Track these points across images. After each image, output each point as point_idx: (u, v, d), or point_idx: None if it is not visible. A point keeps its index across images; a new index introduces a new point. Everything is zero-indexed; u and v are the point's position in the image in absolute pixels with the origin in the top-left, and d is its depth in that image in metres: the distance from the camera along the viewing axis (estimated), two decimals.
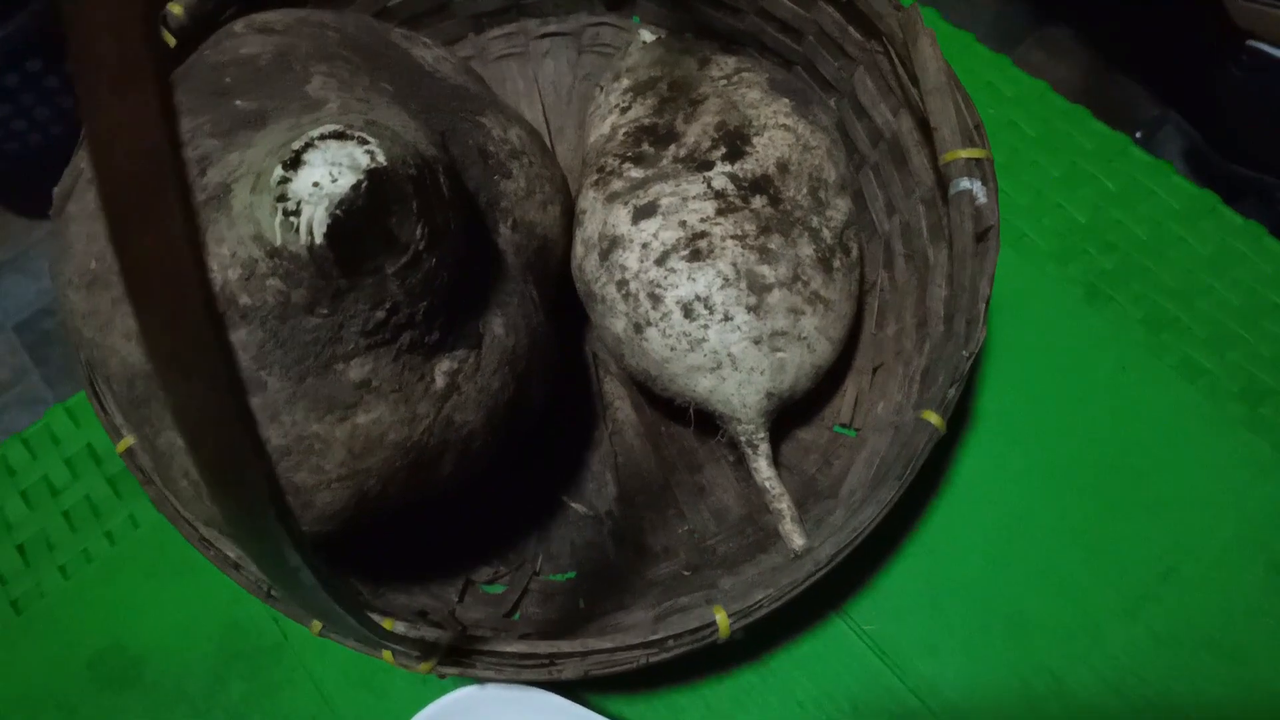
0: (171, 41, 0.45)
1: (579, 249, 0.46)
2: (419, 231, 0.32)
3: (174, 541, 0.50)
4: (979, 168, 0.41)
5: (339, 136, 0.31)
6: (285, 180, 0.30)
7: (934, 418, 0.38)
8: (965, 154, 0.41)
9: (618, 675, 0.39)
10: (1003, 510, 0.48)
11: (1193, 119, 1.14)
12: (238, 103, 0.36)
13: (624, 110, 0.49)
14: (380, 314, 0.33)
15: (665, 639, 0.36)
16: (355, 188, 0.30)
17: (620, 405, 0.51)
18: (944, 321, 0.42)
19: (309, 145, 0.31)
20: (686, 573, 0.46)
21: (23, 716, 0.47)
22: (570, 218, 0.47)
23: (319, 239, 0.30)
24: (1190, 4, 1.07)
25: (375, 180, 0.30)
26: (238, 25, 0.40)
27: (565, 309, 0.50)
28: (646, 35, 0.53)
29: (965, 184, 0.41)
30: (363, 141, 0.31)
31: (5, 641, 0.49)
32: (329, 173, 0.30)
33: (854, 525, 0.37)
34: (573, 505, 0.49)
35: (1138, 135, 1.15)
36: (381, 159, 0.31)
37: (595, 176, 0.46)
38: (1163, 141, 1.14)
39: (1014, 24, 1.40)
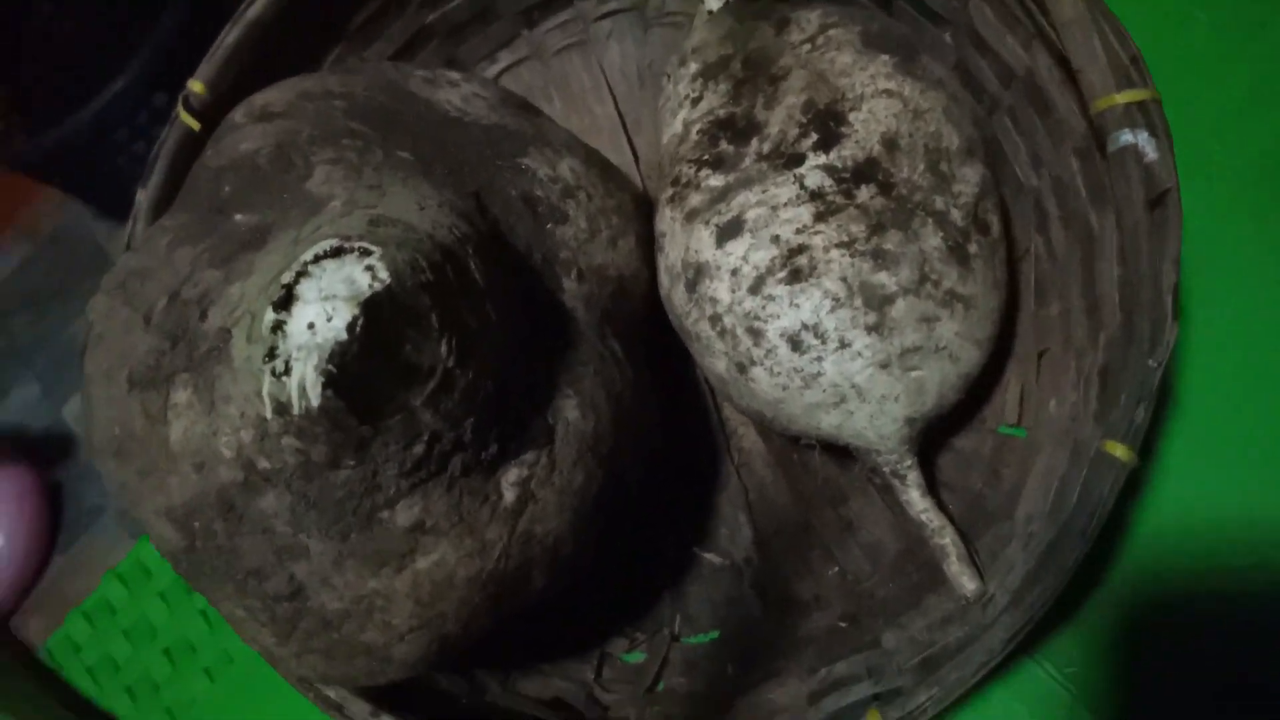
0: (195, 125, 0.42)
1: (664, 279, 0.40)
2: (444, 349, 0.27)
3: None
4: (1143, 113, 0.32)
5: (335, 254, 0.26)
6: (279, 325, 0.26)
7: (1120, 450, 0.30)
8: (1122, 98, 0.32)
9: None
10: (1222, 517, 0.39)
11: None
12: (237, 218, 0.31)
13: (695, 101, 0.42)
14: (418, 449, 0.28)
15: None
16: (350, 329, 0.25)
17: (745, 432, 0.45)
18: (1120, 311, 0.34)
19: (301, 274, 0.26)
20: (843, 624, 0.40)
21: None
22: (650, 244, 0.41)
23: (315, 400, 0.25)
24: None
25: (375, 312, 0.25)
26: (238, 114, 0.35)
27: (665, 338, 0.44)
28: (712, 3, 0.45)
29: (1128, 137, 0.32)
30: (364, 254, 0.26)
31: None
32: (324, 310, 0.25)
33: (1030, 600, 0.30)
34: (706, 556, 0.44)
35: None
36: (384, 276, 0.26)
37: (670, 191, 0.40)
38: None
39: None
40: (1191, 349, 0.41)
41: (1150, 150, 0.31)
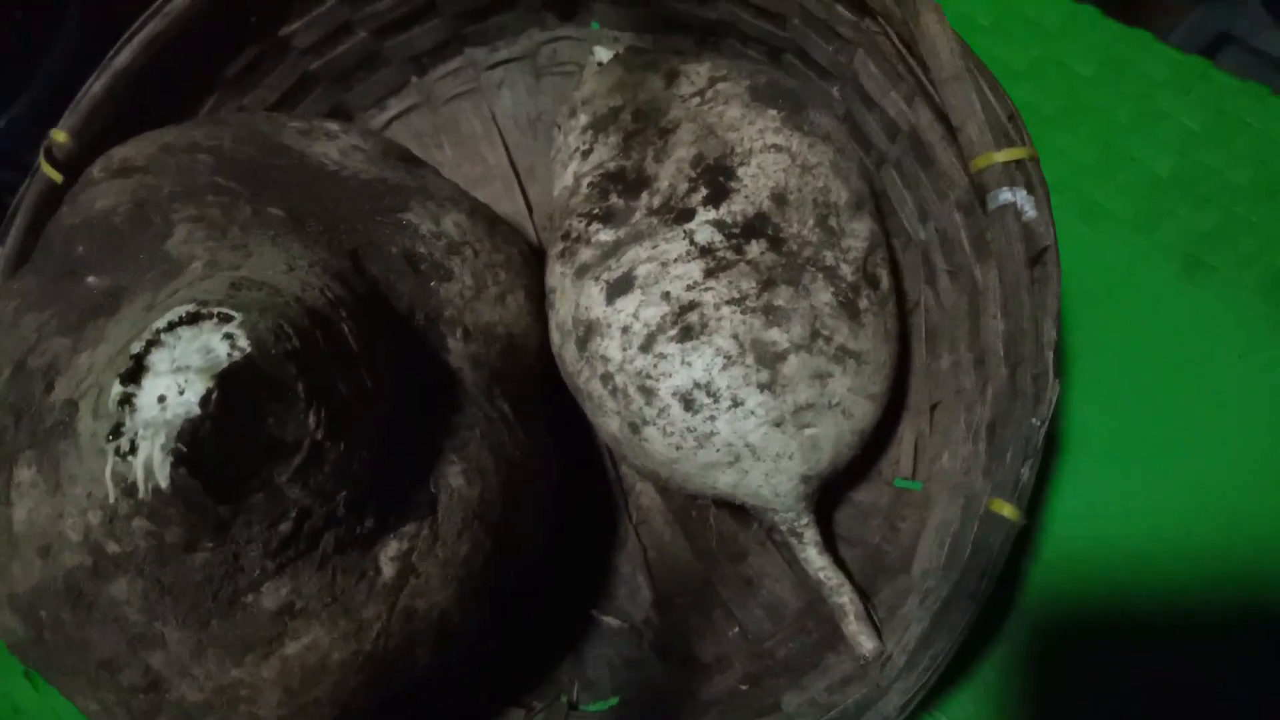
0: (57, 178, 0.39)
1: (555, 335, 0.39)
2: (312, 420, 0.26)
3: None
4: (1021, 172, 0.32)
5: (192, 320, 0.25)
6: (126, 399, 0.24)
7: (1007, 509, 0.30)
8: (1001, 156, 0.32)
9: None
10: (1113, 552, 0.39)
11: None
12: (89, 280, 0.29)
13: (585, 154, 0.41)
14: (285, 527, 0.26)
15: None
16: (204, 403, 0.23)
17: (643, 489, 0.44)
18: (1005, 365, 0.34)
19: (152, 343, 0.24)
20: (744, 686, 0.40)
21: None
22: (541, 298, 0.40)
23: (163, 482, 0.23)
24: None
25: (233, 384, 0.24)
26: (95, 169, 0.33)
27: (560, 392, 0.42)
28: (601, 54, 0.44)
29: (1007, 195, 0.32)
30: (223, 319, 0.25)
31: None
32: (175, 383, 0.24)
33: (924, 664, 0.30)
34: (604, 619, 0.42)
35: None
36: (244, 344, 0.24)
37: (561, 245, 0.39)
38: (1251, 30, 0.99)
39: None
40: (1077, 393, 0.42)
41: (1029, 208, 0.32)
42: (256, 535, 0.26)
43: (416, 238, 0.35)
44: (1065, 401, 0.42)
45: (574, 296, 0.37)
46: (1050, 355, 0.31)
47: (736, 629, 0.41)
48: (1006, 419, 0.32)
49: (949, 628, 0.30)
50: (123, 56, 0.41)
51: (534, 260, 0.41)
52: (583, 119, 0.42)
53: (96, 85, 0.41)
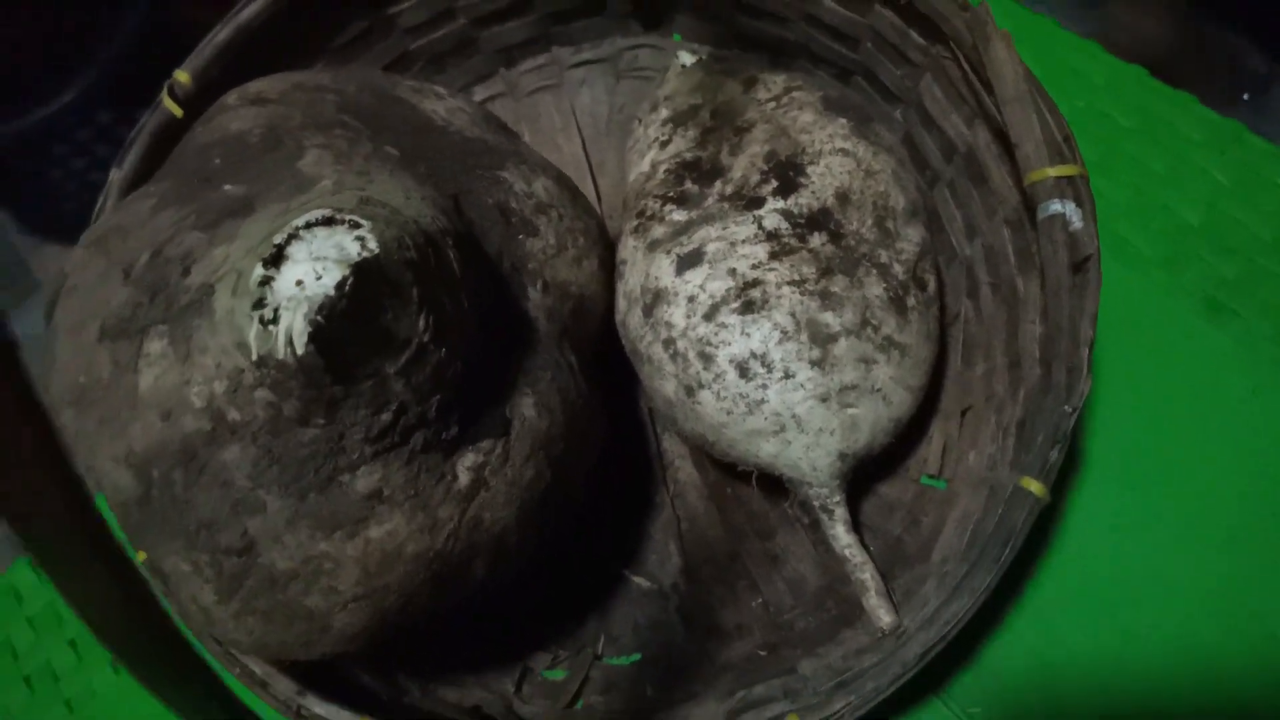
0: (178, 112, 0.43)
1: (621, 303, 0.42)
2: (422, 323, 0.29)
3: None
4: (1071, 187, 0.35)
5: (327, 223, 0.28)
6: (266, 280, 0.27)
7: (1034, 485, 0.33)
8: (1054, 172, 0.35)
9: None
10: (1124, 569, 0.42)
11: None
12: (226, 188, 0.32)
13: (664, 144, 0.45)
14: (385, 417, 0.29)
15: None
16: (339, 287, 0.26)
17: (681, 465, 0.47)
18: (1040, 365, 0.37)
19: (293, 237, 0.27)
20: (762, 653, 0.42)
21: None
22: (611, 270, 0.43)
23: (300, 349, 0.26)
24: None
25: (363, 276, 0.27)
26: (230, 98, 0.37)
27: (616, 364, 0.45)
28: (686, 58, 0.48)
29: (1056, 207, 0.35)
30: (354, 226, 0.28)
31: None
32: (313, 269, 0.27)
33: (945, 618, 0.32)
34: (634, 579, 0.45)
35: (1245, 97, 1.06)
36: (373, 246, 0.27)
37: (635, 222, 0.42)
38: (1273, 102, 1.05)
39: None
40: (1099, 417, 0.45)
41: (1076, 219, 0.35)
42: (360, 420, 0.29)
43: (510, 193, 0.38)
44: (1088, 422, 0.44)
45: (645, 267, 0.40)
46: (1086, 352, 0.34)
47: (759, 600, 0.43)
48: (1038, 411, 0.35)
49: (970, 589, 0.32)
50: (248, 11, 0.44)
51: (606, 236, 0.44)
52: (664, 113, 0.46)
53: (220, 34, 0.44)
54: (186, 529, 0.29)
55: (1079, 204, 0.35)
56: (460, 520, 0.32)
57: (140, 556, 0.35)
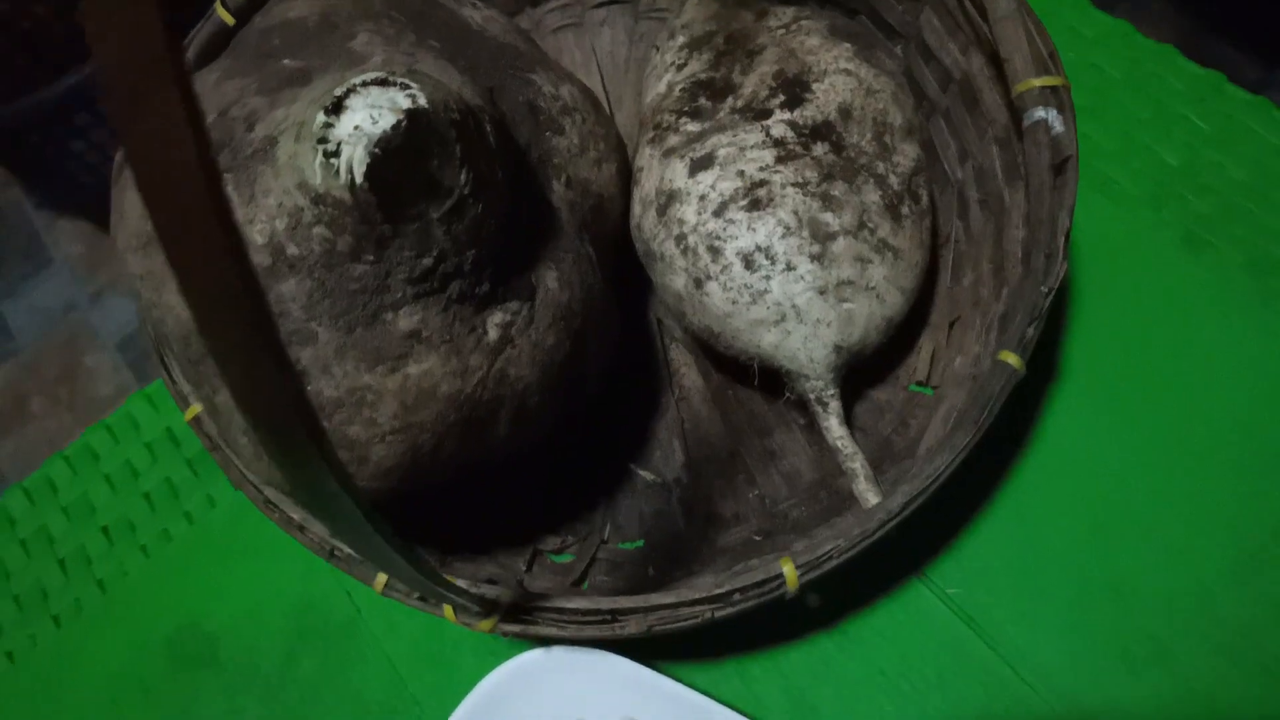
0: (230, 20, 0.46)
1: (636, 208, 0.45)
2: (463, 177, 0.32)
3: (249, 518, 0.51)
4: (1054, 96, 0.39)
5: (381, 83, 0.31)
6: (328, 125, 0.30)
7: (1012, 358, 0.36)
8: (1039, 82, 0.39)
9: (685, 635, 0.38)
10: (1097, 469, 0.45)
11: None
12: (285, 62, 0.36)
13: (680, 67, 0.48)
14: (427, 261, 0.32)
15: (730, 592, 0.34)
16: (395, 127, 0.29)
17: (686, 371, 0.50)
18: (1022, 263, 0.40)
19: (351, 91, 0.30)
20: (758, 538, 0.45)
21: (104, 693, 0.48)
22: (627, 179, 0.46)
23: (359, 179, 0.29)
24: None
25: (415, 121, 0.30)
26: None
27: (626, 275, 0.48)
28: None
29: (1040, 113, 0.38)
30: (405, 86, 0.31)
31: (90, 621, 0.50)
32: (370, 115, 0.30)
33: (927, 473, 0.35)
34: (640, 473, 0.48)
35: None
36: (423, 101, 0.30)
37: (651, 134, 0.45)
38: None
39: None
40: (1081, 335, 0.48)
41: (1058, 124, 0.38)
42: (405, 260, 0.32)
43: (539, 93, 0.41)
44: (1070, 339, 0.48)
45: (659, 171, 0.44)
46: (1062, 240, 0.37)
47: (756, 492, 0.46)
48: (1018, 299, 0.38)
49: (950, 447, 0.35)
50: None
51: (623, 148, 0.47)
52: (680, 39, 0.49)
53: None
54: None
55: (1060, 111, 0.38)
56: (488, 370, 0.35)
57: (193, 411, 0.39)
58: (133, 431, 0.55)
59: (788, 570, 0.34)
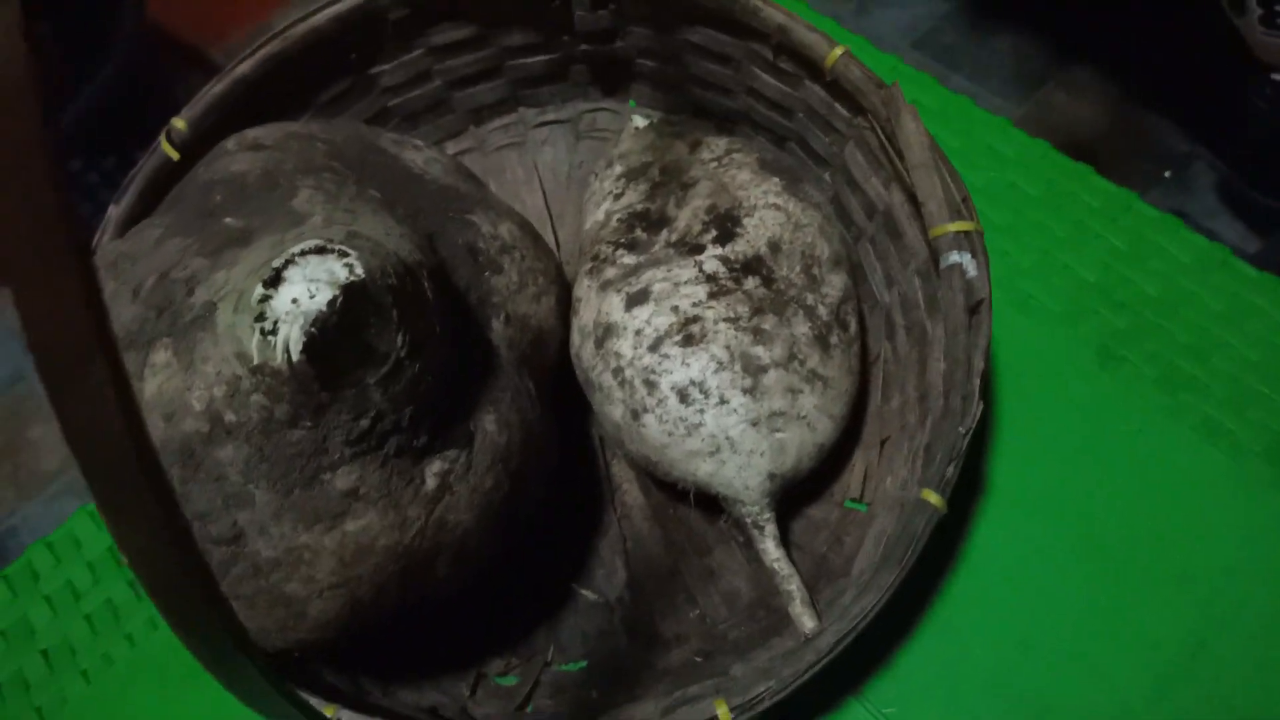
0: (175, 155, 0.47)
1: (575, 337, 0.46)
2: (399, 340, 0.33)
3: None
4: (968, 241, 0.41)
5: (319, 251, 0.32)
6: (266, 298, 0.31)
7: (933, 497, 0.38)
8: (954, 227, 0.41)
9: None
10: (1021, 585, 0.46)
11: (1222, 154, 1.14)
12: (227, 220, 0.37)
13: (617, 197, 0.50)
14: (364, 423, 0.33)
15: None
16: (331, 304, 0.30)
17: (628, 488, 0.51)
18: (943, 396, 0.42)
19: (289, 262, 0.32)
20: (698, 659, 0.46)
21: None
22: (567, 307, 0.47)
23: (295, 355, 0.30)
24: (1213, 38, 1.06)
25: (351, 295, 0.31)
26: (229, 143, 0.41)
27: (569, 395, 0.50)
28: (639, 121, 0.53)
29: (955, 257, 0.41)
30: (342, 255, 0.32)
31: None
32: (307, 289, 0.31)
33: (855, 612, 0.36)
34: (583, 592, 0.48)
35: (1167, 174, 1.15)
36: (359, 271, 0.32)
37: (589, 264, 0.47)
38: (1193, 178, 1.14)
39: (1035, 66, 1.39)
40: (1002, 449, 0.50)
41: (971, 268, 0.40)
42: (342, 424, 0.33)
43: (478, 235, 0.43)
44: (992, 454, 0.49)
45: (597, 304, 0.45)
46: (977, 381, 0.39)
47: (696, 612, 0.47)
48: (939, 435, 0.40)
49: (877, 586, 0.37)
50: (243, 66, 0.49)
51: (562, 279, 0.48)
52: (617, 169, 0.51)
53: (217, 87, 0.48)
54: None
55: (974, 255, 0.40)
56: (427, 520, 0.36)
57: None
58: (74, 550, 0.55)
59: (722, 712, 0.35)
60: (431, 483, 0.36)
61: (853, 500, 0.48)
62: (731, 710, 0.35)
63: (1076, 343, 0.52)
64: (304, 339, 0.30)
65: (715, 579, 0.48)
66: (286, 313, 0.30)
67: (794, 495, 0.48)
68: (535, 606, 0.48)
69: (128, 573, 0.53)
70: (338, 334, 0.31)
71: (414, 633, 0.46)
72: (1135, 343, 0.52)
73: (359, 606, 0.35)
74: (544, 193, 0.58)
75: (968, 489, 0.49)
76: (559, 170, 0.59)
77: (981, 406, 0.38)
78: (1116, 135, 1.33)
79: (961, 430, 0.38)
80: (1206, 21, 1.07)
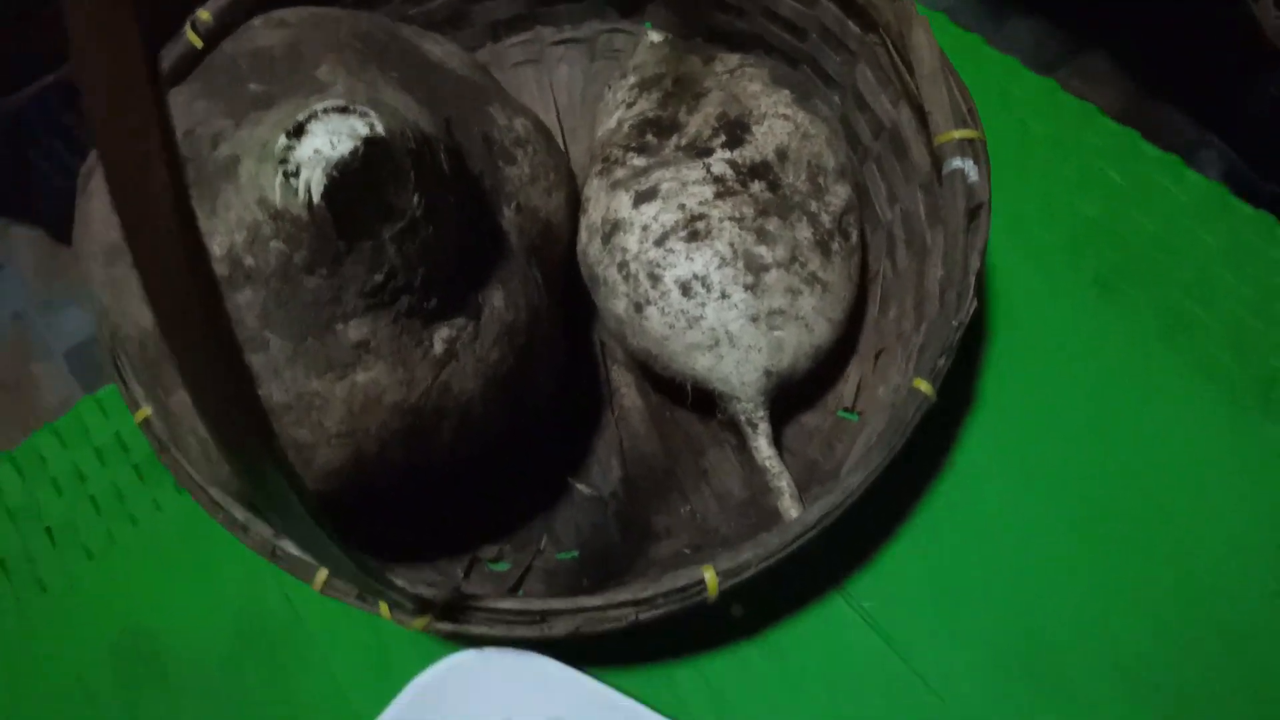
0: (198, 44, 0.48)
1: (583, 235, 0.47)
2: (415, 200, 0.34)
3: (194, 524, 0.52)
4: (970, 147, 0.42)
5: (341, 110, 0.33)
6: (289, 147, 0.32)
7: (924, 385, 0.39)
8: (958, 134, 0.42)
9: (614, 640, 0.40)
10: (1006, 497, 0.47)
11: (1232, 141, 1.14)
12: (251, 86, 0.38)
13: (630, 105, 0.51)
14: (378, 277, 0.34)
15: (655, 596, 0.37)
16: (352, 153, 0.32)
17: (626, 392, 0.52)
18: (939, 300, 0.43)
19: (312, 116, 0.33)
20: (688, 551, 0.47)
21: (46, 695, 0.48)
22: (576, 207, 0.48)
23: (317, 199, 0.31)
24: (1225, 25, 1.07)
25: (372, 148, 0.32)
26: (256, 21, 0.42)
27: (572, 298, 0.51)
28: (655, 36, 0.54)
29: (957, 163, 0.42)
30: (363, 114, 0.33)
31: (31, 621, 0.50)
32: (329, 140, 0.32)
33: (843, 488, 0.38)
34: (578, 487, 0.50)
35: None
36: (380, 130, 0.33)
37: (600, 166, 0.48)
38: (1204, 164, 1.15)
39: (1052, 52, 1.40)
40: (997, 370, 0.51)
41: (973, 174, 0.41)
42: (357, 275, 0.34)
43: (494, 125, 0.44)
44: (985, 371, 0.51)
45: (606, 202, 0.46)
46: (972, 278, 0.40)
47: (688, 508, 0.49)
48: (934, 334, 0.41)
49: (865, 466, 0.38)
50: None
51: (573, 179, 0.49)
52: (631, 79, 0.52)
53: None
54: None
55: (976, 161, 0.41)
56: (433, 382, 0.37)
57: (144, 414, 0.40)
58: (81, 436, 0.56)
59: (709, 577, 0.37)
60: (439, 347, 0.37)
61: (845, 410, 0.50)
62: (718, 575, 0.36)
63: (1075, 275, 0.53)
64: (325, 182, 0.31)
65: (708, 479, 0.49)
66: (309, 159, 0.31)
67: (788, 402, 0.49)
68: (531, 498, 0.50)
69: (134, 457, 0.55)
70: (357, 183, 0.32)
71: (412, 513, 0.47)
72: (1134, 277, 0.53)
73: (364, 460, 0.36)
74: (558, 110, 0.59)
75: (960, 401, 0.50)
76: (574, 89, 0.60)
77: (975, 304, 0.39)
78: (1128, 122, 1.32)
79: (955, 323, 0.39)
80: (1218, 8, 1.07)
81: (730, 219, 0.44)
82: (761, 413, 0.45)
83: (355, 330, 0.35)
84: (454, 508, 0.49)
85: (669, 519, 0.48)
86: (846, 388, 0.50)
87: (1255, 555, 0.45)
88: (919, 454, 0.48)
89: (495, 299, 0.39)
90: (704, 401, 0.47)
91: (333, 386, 0.35)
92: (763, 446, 0.45)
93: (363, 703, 0.47)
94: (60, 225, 1.38)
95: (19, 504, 0.54)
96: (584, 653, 0.44)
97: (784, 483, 0.44)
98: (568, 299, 0.50)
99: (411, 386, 0.36)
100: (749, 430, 0.45)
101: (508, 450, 0.48)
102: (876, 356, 0.49)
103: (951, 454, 0.49)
